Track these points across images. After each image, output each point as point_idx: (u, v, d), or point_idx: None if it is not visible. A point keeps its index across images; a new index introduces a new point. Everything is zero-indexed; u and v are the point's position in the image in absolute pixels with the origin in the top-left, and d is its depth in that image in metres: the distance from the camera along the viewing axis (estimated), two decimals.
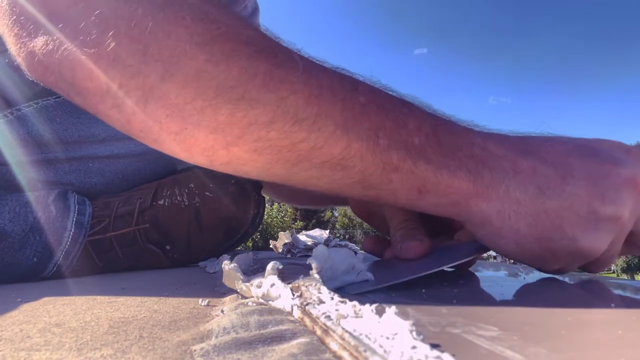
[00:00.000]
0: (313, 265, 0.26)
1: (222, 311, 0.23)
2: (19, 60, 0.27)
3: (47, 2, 0.25)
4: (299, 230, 0.97)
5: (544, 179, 0.28)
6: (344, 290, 0.27)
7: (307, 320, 0.19)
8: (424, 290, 0.29)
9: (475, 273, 0.39)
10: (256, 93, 0.24)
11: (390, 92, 0.29)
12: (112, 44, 0.24)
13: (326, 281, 0.26)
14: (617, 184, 0.28)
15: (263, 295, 0.25)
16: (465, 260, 0.31)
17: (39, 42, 0.25)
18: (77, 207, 0.50)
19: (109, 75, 0.24)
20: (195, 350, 0.17)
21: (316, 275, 0.25)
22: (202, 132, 0.25)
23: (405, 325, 0.15)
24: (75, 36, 0.24)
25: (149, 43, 0.24)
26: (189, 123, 0.25)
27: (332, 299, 0.21)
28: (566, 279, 0.35)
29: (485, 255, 0.34)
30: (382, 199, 0.29)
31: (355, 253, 0.30)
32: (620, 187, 0.27)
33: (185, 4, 0.25)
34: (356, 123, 0.26)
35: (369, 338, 0.15)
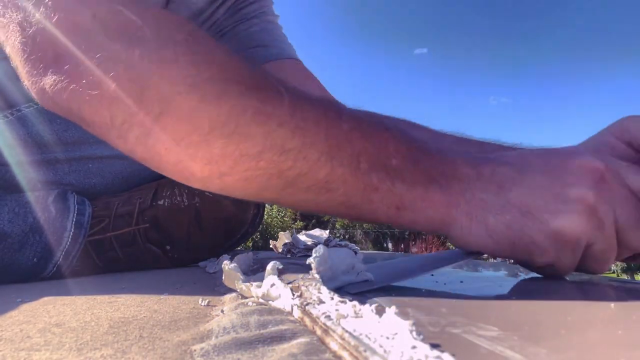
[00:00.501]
0: (313, 266, 0.26)
1: (222, 311, 0.23)
2: (32, 93, 0.30)
3: (53, 45, 0.28)
4: (299, 230, 0.97)
5: (502, 177, 0.30)
6: (343, 290, 0.27)
7: (307, 320, 0.19)
8: (424, 290, 0.29)
9: (475, 273, 0.39)
10: (246, 128, 0.27)
11: (373, 117, 0.31)
12: (113, 85, 0.26)
13: (326, 281, 0.26)
14: (574, 170, 0.30)
15: (263, 295, 0.25)
16: (461, 261, 0.32)
17: (48, 81, 0.28)
18: (76, 207, 0.50)
19: (112, 113, 0.27)
20: (195, 350, 0.17)
21: (316, 275, 0.25)
22: (198, 164, 0.28)
23: (405, 325, 0.15)
24: (79, 77, 0.27)
25: (145, 85, 0.26)
26: (186, 156, 0.27)
27: (332, 299, 0.21)
28: (566, 279, 0.35)
29: (485, 255, 0.34)
30: (364, 217, 0.32)
31: (355, 253, 0.30)
32: (578, 172, 0.30)
33: (178, 46, 0.27)
34: (339, 150, 0.28)
35: (369, 338, 0.15)
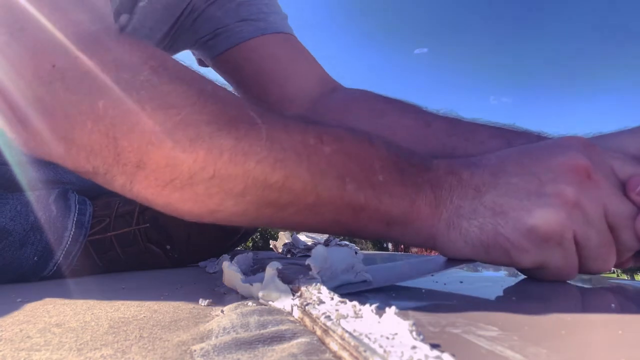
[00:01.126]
0: (312, 266, 0.26)
1: (222, 311, 0.23)
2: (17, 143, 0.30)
3: (25, 97, 0.27)
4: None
5: (479, 180, 0.30)
6: (342, 290, 0.27)
7: (307, 321, 0.19)
8: (424, 290, 0.29)
9: (475, 273, 0.39)
10: (225, 170, 0.26)
11: (356, 133, 0.31)
12: (85, 140, 0.26)
13: (325, 281, 0.26)
14: (554, 167, 0.29)
15: (263, 295, 0.25)
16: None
17: (26, 135, 0.28)
18: (77, 206, 0.50)
19: (93, 165, 0.27)
20: (195, 350, 0.17)
21: (316, 276, 0.25)
22: (187, 205, 0.28)
23: (405, 325, 0.15)
24: (53, 131, 0.27)
25: (117, 136, 0.26)
26: (173, 199, 0.28)
27: (332, 299, 0.21)
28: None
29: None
30: (355, 234, 0.32)
31: (356, 253, 0.30)
32: (557, 170, 0.29)
33: (143, 90, 0.26)
34: (324, 176, 0.28)
35: (369, 338, 0.15)
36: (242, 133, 0.27)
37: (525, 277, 0.34)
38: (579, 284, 0.33)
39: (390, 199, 0.29)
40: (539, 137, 0.37)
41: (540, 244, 0.28)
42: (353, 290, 0.28)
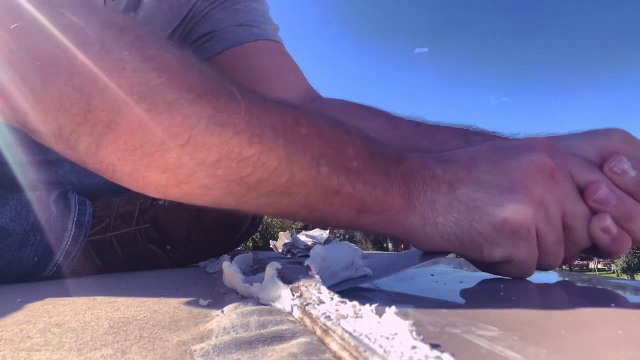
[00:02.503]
0: (311, 267, 0.26)
1: (222, 311, 0.23)
2: None
3: None
4: (299, 230, 0.97)
5: (452, 176, 0.31)
6: (343, 286, 0.28)
7: (307, 321, 0.19)
8: (424, 290, 0.29)
9: (476, 273, 0.39)
10: (201, 138, 0.26)
11: (333, 122, 0.31)
12: (55, 94, 0.25)
13: (325, 280, 0.26)
14: (521, 166, 0.30)
15: (263, 295, 0.25)
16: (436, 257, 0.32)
17: None
18: (77, 207, 0.50)
19: (59, 123, 0.26)
20: (195, 350, 0.17)
21: (316, 276, 0.25)
22: (154, 173, 0.27)
23: (405, 325, 0.15)
24: (22, 86, 0.25)
25: (91, 93, 0.25)
26: (140, 165, 0.26)
27: (332, 299, 0.21)
28: (566, 279, 0.35)
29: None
30: (326, 221, 0.32)
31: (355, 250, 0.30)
32: (527, 168, 0.30)
33: (126, 50, 0.26)
34: (298, 155, 0.28)
35: (369, 338, 0.15)
36: (221, 104, 0.26)
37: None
38: (579, 284, 0.33)
39: (364, 186, 0.29)
40: (494, 137, 0.40)
41: (509, 237, 0.30)
42: (354, 285, 0.28)
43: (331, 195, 0.29)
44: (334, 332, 0.16)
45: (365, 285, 0.30)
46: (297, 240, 0.77)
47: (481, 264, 0.33)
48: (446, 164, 0.31)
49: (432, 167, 0.31)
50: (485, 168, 0.31)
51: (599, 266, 24.63)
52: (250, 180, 0.27)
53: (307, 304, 0.20)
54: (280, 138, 0.27)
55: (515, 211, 0.29)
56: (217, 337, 0.19)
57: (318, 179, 0.28)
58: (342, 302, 0.20)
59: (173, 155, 0.26)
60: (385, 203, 0.30)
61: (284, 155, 0.27)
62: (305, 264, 0.26)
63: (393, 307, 0.16)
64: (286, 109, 0.29)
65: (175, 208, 0.54)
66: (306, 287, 0.23)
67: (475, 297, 0.28)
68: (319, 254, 0.27)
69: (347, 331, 0.15)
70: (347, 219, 0.31)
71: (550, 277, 0.34)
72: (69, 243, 0.48)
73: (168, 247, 0.54)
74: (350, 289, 0.28)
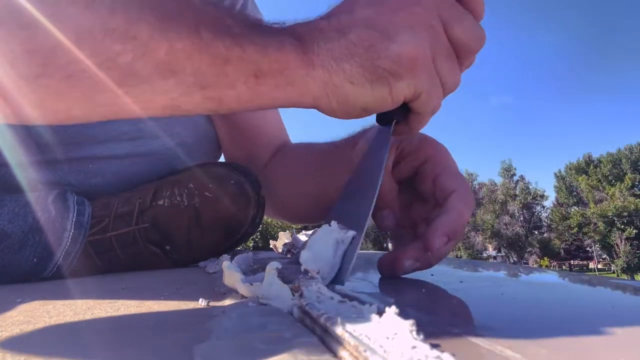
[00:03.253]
0: (310, 270, 0.26)
1: (222, 311, 0.23)
2: None
3: None
4: (299, 230, 0.97)
5: (338, 23, 0.31)
6: (346, 265, 0.28)
7: (307, 321, 0.19)
8: (424, 290, 0.29)
9: (476, 273, 0.39)
10: (58, 8, 0.23)
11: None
12: None
13: (327, 274, 0.26)
14: (399, 3, 0.32)
15: (263, 295, 0.25)
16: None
17: None
18: (76, 207, 0.50)
19: None
20: (195, 350, 0.17)
21: (316, 276, 0.25)
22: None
23: (405, 325, 0.15)
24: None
25: None
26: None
27: (332, 299, 0.21)
28: (566, 279, 0.35)
29: (485, 255, 0.34)
30: (225, 102, 0.29)
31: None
32: (404, 4, 0.31)
33: None
34: (172, 22, 0.26)
35: (369, 338, 0.15)
36: None
37: (525, 277, 0.34)
38: (579, 284, 0.33)
39: (254, 46, 0.28)
40: None
41: (410, 66, 0.31)
42: (354, 254, 0.28)
43: (221, 64, 0.27)
44: (334, 332, 0.16)
45: (366, 286, 0.30)
46: (297, 240, 0.76)
47: (398, 115, 0.34)
48: (328, 16, 0.32)
49: (315, 22, 0.32)
50: (365, 7, 0.31)
51: (599, 266, 24.66)
52: (123, 61, 0.24)
53: (307, 304, 0.20)
54: (146, 7, 0.25)
55: (411, 41, 0.30)
56: (217, 337, 0.19)
57: (202, 47, 0.26)
58: (342, 302, 0.20)
59: (18, 41, 0.23)
60: (280, 61, 0.29)
61: (156, 23, 0.25)
62: (302, 269, 0.26)
63: (393, 307, 0.16)
64: None
65: (175, 208, 0.54)
66: (306, 287, 0.23)
67: (475, 297, 0.28)
68: (308, 257, 0.27)
69: (347, 331, 0.15)
70: (246, 90, 0.29)
71: (551, 277, 0.34)
72: (68, 243, 0.47)
73: (168, 247, 0.54)
74: (350, 289, 0.28)
